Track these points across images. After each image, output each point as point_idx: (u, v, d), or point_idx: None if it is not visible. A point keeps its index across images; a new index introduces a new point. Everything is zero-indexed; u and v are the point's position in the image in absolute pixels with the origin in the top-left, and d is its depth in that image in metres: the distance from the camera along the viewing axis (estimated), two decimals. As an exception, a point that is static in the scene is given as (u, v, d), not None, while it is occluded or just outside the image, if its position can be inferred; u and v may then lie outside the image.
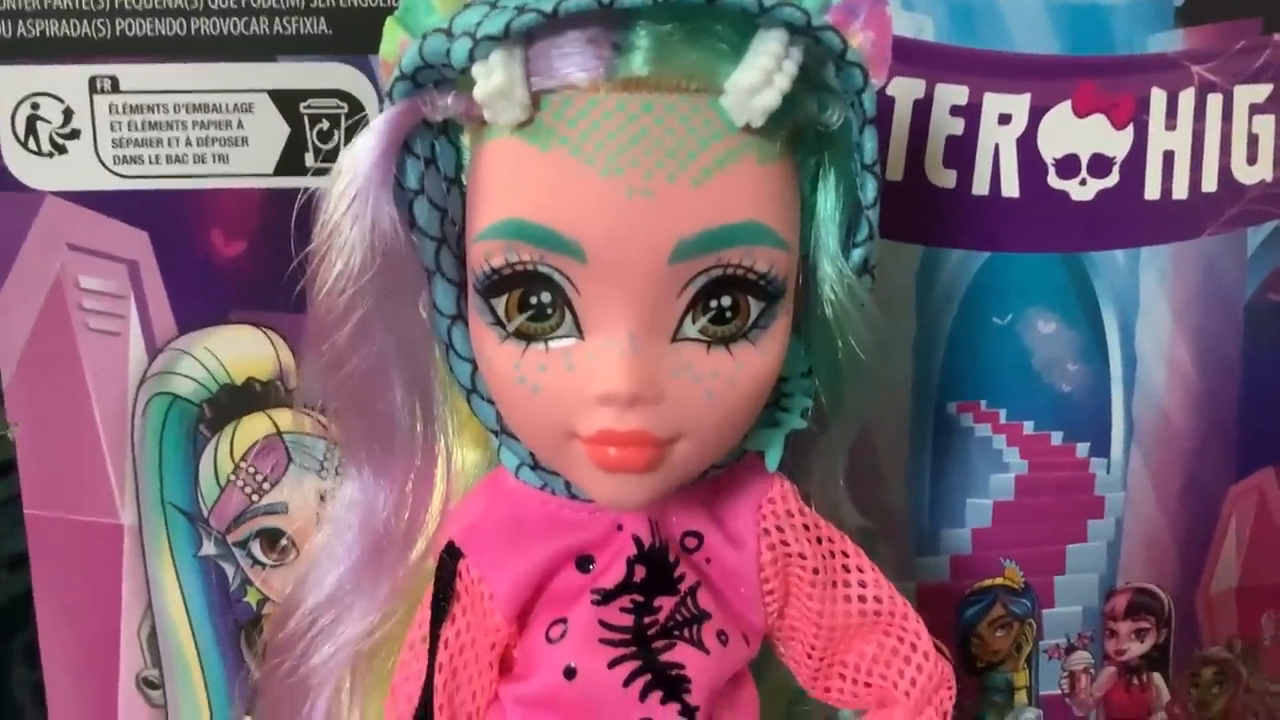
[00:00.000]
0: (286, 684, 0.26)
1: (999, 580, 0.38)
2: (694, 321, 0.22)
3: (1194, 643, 0.40)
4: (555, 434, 0.22)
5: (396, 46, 0.23)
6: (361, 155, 0.22)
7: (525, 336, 0.22)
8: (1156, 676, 0.39)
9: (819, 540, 0.26)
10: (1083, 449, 0.38)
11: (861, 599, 0.26)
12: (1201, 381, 0.38)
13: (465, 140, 0.23)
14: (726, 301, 0.22)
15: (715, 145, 0.21)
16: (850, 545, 0.27)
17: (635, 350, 0.21)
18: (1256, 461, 0.39)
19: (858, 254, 0.24)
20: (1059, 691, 0.39)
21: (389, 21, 0.24)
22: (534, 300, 0.22)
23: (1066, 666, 0.39)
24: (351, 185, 0.22)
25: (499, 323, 0.22)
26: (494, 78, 0.21)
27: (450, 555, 0.25)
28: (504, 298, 0.22)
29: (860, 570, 0.26)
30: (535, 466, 0.24)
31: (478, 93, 0.21)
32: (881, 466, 0.37)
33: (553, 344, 0.22)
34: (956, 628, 0.38)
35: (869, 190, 0.23)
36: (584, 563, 0.24)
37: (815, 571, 0.26)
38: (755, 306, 0.22)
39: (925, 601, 0.38)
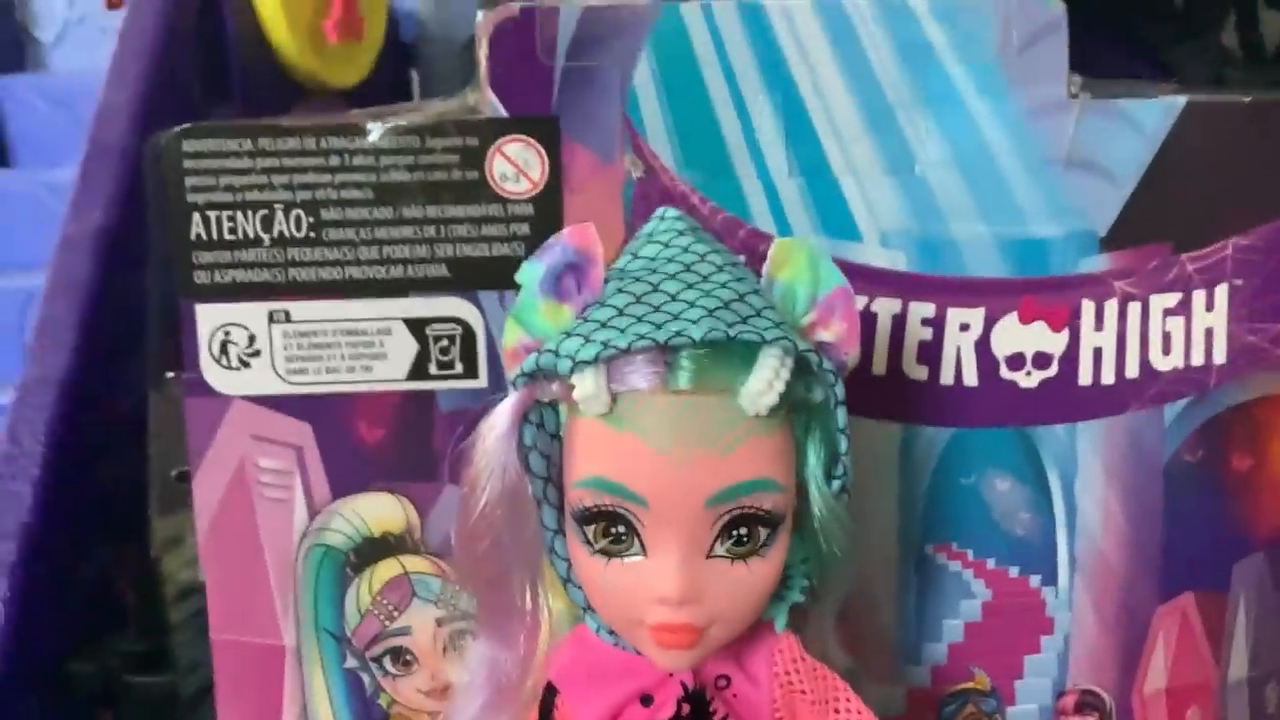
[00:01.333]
0: None
1: (970, 684, 0.45)
2: (721, 544, 0.31)
3: None
4: (627, 621, 0.32)
5: (515, 339, 0.33)
6: (497, 426, 0.32)
7: (606, 553, 0.31)
8: (1101, 760, 0.45)
9: (817, 677, 0.35)
10: (1035, 580, 0.44)
11: (849, 720, 0.35)
12: (1130, 526, 0.44)
13: (563, 410, 0.33)
14: (743, 531, 0.31)
15: (735, 428, 0.30)
16: (840, 681, 0.35)
17: (683, 567, 0.31)
18: (1178, 588, 0.45)
19: (836, 484, 0.33)
20: (1023, 774, 0.45)
21: (509, 320, 0.33)
22: (613, 530, 0.31)
23: None
24: (489, 448, 0.32)
25: (588, 542, 0.31)
26: (586, 386, 0.30)
27: (550, 692, 0.34)
28: (592, 526, 0.31)
29: (848, 700, 0.35)
30: (611, 631, 0.34)
31: (575, 394, 0.31)
32: (875, 596, 0.44)
33: (626, 559, 0.31)
34: (937, 722, 0.45)
35: (842, 445, 0.33)
36: (646, 700, 0.33)
37: (814, 702, 0.34)
38: (763, 532, 0.31)
39: (912, 702, 0.45)
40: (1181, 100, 0.43)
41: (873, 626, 0.45)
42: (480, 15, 0.40)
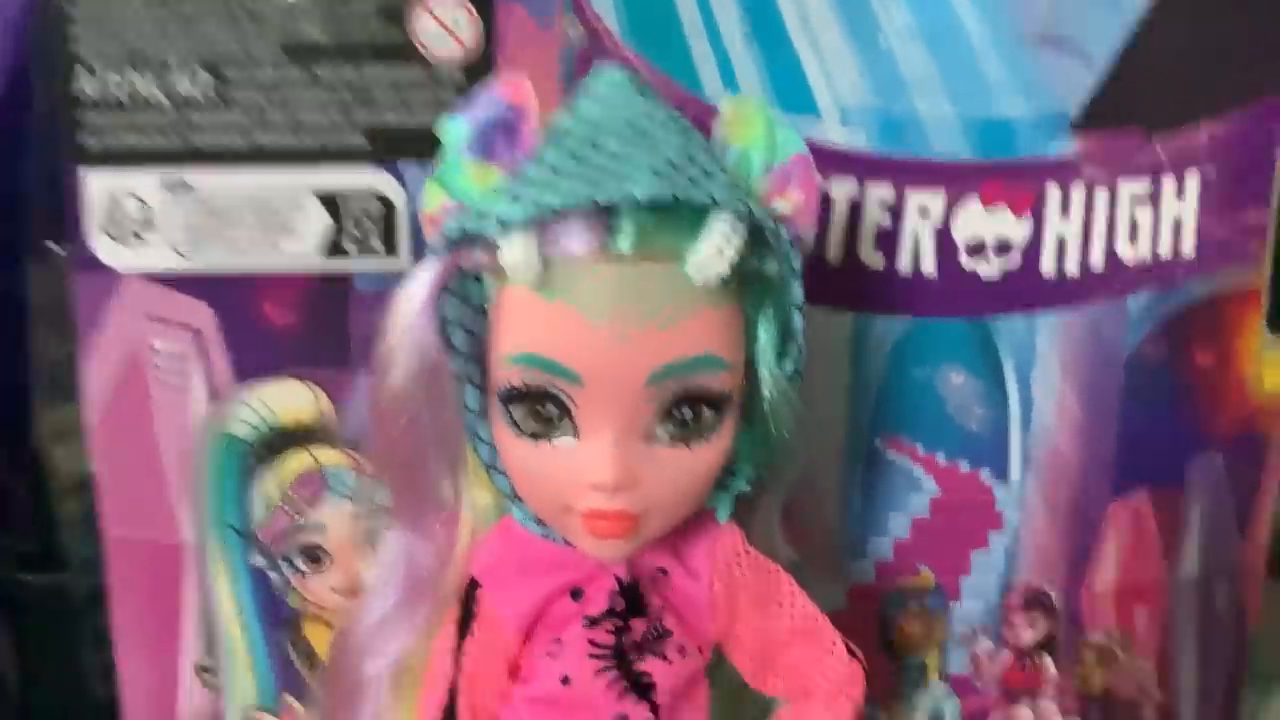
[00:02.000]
0: (345, 687, 0.34)
1: (915, 581, 0.46)
2: (662, 426, 0.30)
3: (1079, 631, 0.47)
4: (557, 508, 0.31)
5: (437, 203, 0.31)
6: (414, 298, 0.30)
7: (535, 436, 0.30)
8: (1046, 658, 0.47)
9: (760, 571, 0.35)
10: (986, 474, 0.45)
11: (792, 616, 0.35)
12: (1087, 421, 0.45)
13: (489, 280, 0.31)
14: (687, 413, 0.30)
15: (680, 299, 0.29)
16: (784, 575, 0.35)
17: (618, 450, 0.30)
18: (1132, 484, 0.46)
19: (789, 365, 0.32)
20: (965, 672, 0.47)
21: (429, 183, 0.31)
22: (542, 410, 0.30)
23: (971, 651, 0.47)
24: (405, 322, 0.30)
25: (515, 424, 0.30)
26: (514, 250, 0.29)
27: (472, 586, 0.33)
28: (520, 407, 0.30)
29: (792, 594, 0.35)
30: (539, 521, 0.33)
31: (503, 260, 0.29)
32: (822, 489, 0.45)
33: (556, 442, 0.30)
34: (880, 620, 0.47)
35: (796, 322, 0.32)
36: (576, 594, 0.33)
37: (757, 596, 0.34)
38: (708, 413, 0.30)
39: (855, 598, 0.46)
40: (1161, -25, 0.42)
41: (818, 520, 0.45)
42: None
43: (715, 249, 0.29)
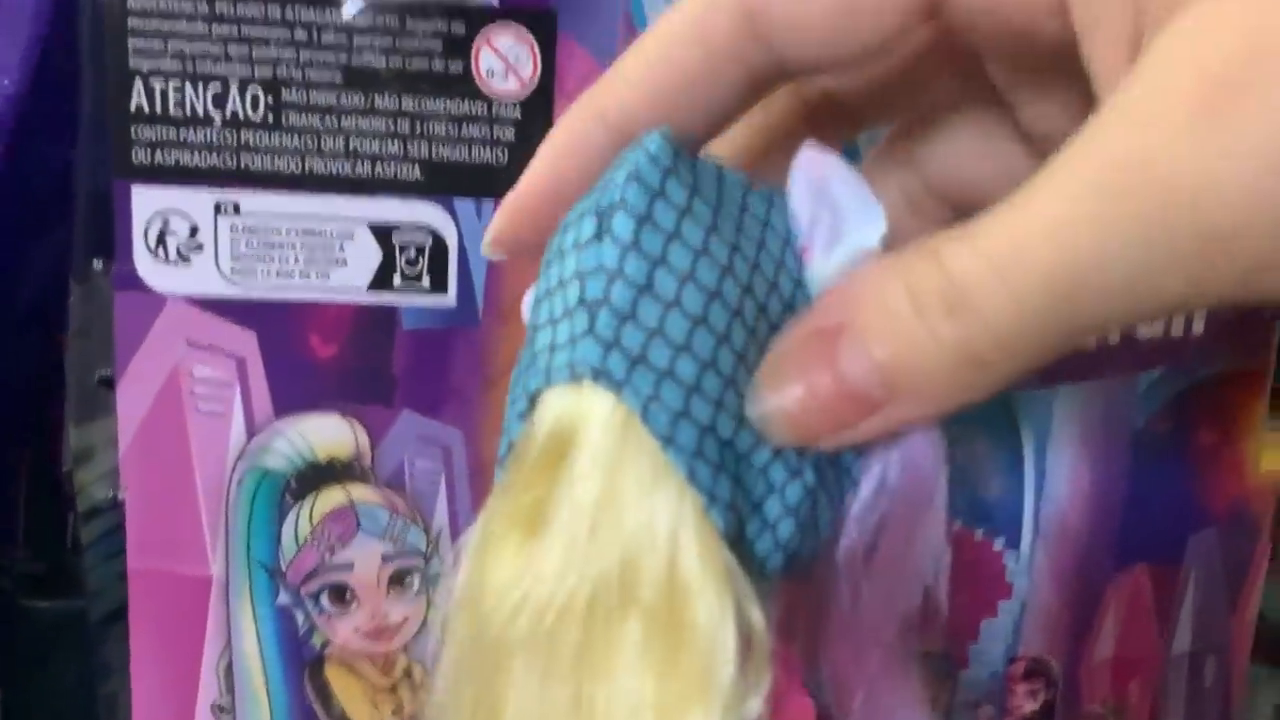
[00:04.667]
0: None
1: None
2: None
3: (1076, 701, 0.42)
4: None
5: None
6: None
7: None
8: (1044, 728, 0.42)
9: None
10: (999, 543, 0.39)
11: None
12: (1096, 495, 0.40)
13: None
14: None
15: None
16: None
17: None
18: (1134, 559, 0.41)
19: None
20: (967, 738, 0.42)
21: None
22: None
23: (974, 718, 0.41)
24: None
25: None
26: None
27: None
28: None
29: None
30: None
31: None
32: None
33: None
34: (890, 683, 0.40)
35: None
36: None
37: None
38: None
39: None
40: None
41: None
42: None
43: None
